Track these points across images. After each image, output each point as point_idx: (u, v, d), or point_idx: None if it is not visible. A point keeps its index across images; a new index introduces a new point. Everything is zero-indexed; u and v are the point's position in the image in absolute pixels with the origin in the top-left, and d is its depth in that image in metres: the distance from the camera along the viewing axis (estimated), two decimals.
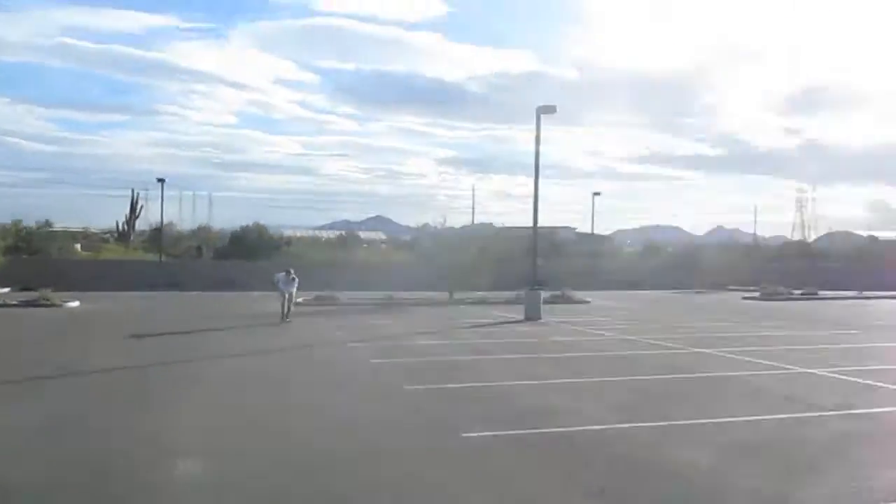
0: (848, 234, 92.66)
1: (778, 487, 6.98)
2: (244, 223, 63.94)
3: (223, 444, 8.72)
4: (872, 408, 10.61)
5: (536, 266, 27.87)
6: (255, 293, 37.14)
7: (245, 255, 53.61)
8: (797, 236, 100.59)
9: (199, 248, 59.86)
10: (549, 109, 26.43)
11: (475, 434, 9.09)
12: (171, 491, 7.02)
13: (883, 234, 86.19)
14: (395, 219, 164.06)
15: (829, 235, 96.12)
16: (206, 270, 49.09)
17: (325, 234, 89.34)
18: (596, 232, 65.19)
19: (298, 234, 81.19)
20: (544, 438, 8.97)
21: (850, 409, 10.53)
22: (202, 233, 66.86)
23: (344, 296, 33.82)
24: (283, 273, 25.38)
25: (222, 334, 21.05)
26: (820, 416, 10.18)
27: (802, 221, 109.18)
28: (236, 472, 7.62)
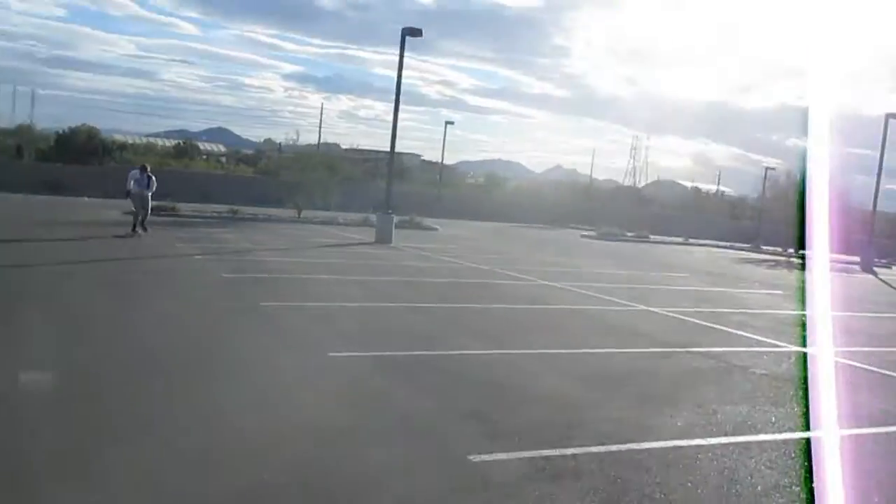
0: (674, 184, 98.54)
1: (636, 416, 7.34)
2: (72, 124, 59.39)
3: (74, 357, 8.17)
4: (712, 347, 11.34)
5: (390, 190, 27.67)
6: (86, 199, 35.08)
7: (72, 158, 49.87)
8: (628, 181, 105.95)
9: (19, 148, 54.84)
10: (415, 32, 25.96)
11: (343, 354, 8.99)
12: None
13: (704, 186, 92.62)
14: (236, 132, 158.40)
15: (657, 183, 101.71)
16: (29, 172, 45.23)
17: (161, 141, 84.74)
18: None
19: (132, 140, 76.56)
20: (412, 361, 8.98)
21: (693, 346, 11.22)
22: (23, 132, 61.38)
23: (185, 207, 32.36)
24: (138, 170, 21.85)
25: (64, 245, 19.51)
26: (665, 351, 10.79)
27: (634, 168, 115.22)
28: (88, 389, 7.17)
